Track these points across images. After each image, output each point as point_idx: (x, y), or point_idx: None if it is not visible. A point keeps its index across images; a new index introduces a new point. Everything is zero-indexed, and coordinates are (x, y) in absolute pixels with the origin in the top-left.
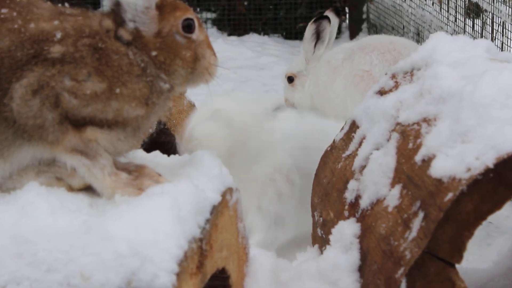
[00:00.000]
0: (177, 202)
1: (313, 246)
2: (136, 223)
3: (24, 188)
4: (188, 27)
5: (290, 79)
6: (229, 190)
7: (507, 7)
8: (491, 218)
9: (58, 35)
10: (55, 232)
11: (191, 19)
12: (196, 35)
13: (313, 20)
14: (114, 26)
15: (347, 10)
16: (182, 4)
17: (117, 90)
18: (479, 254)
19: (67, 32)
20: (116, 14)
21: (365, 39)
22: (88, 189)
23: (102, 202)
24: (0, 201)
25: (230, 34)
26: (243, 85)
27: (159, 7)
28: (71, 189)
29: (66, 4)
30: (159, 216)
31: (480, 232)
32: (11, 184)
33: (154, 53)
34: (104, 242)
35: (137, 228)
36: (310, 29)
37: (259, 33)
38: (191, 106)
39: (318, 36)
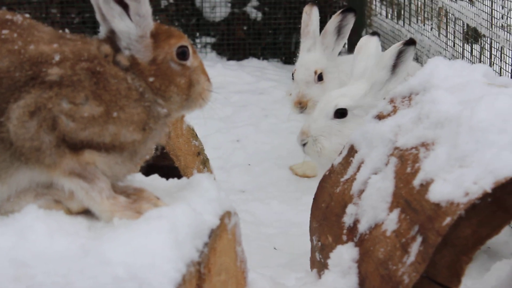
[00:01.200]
0: (175, 225)
1: (311, 270)
2: (134, 246)
3: (22, 211)
4: (183, 54)
5: (320, 77)
6: (228, 214)
7: (505, 33)
8: (490, 243)
9: (57, 57)
10: (53, 255)
11: (185, 46)
12: (191, 61)
13: (339, 12)
14: (112, 51)
15: None
16: (177, 32)
17: (115, 114)
18: (478, 279)
19: (65, 55)
20: (112, 41)
21: None
22: (86, 212)
23: (101, 225)
24: None
25: (229, 59)
26: (242, 110)
27: (154, 35)
28: (69, 212)
29: (66, 30)
30: (157, 240)
31: (478, 257)
32: (9, 207)
33: (150, 79)
34: (102, 266)
35: (135, 252)
36: (333, 22)
37: (258, 58)
38: (190, 130)
39: (339, 31)
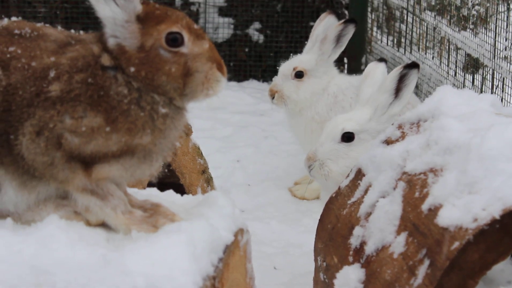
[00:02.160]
0: (193, 240)
1: None
2: (154, 258)
3: (44, 221)
4: (174, 40)
5: (300, 74)
6: (241, 231)
7: (508, 64)
8: None
9: (55, 72)
10: (74, 264)
11: (177, 33)
12: (188, 48)
13: (341, 21)
14: (100, 51)
15: (345, 60)
16: (173, 16)
17: (115, 123)
18: None
19: (62, 69)
20: (102, 32)
21: None
22: (105, 224)
23: (119, 238)
24: (20, 233)
25: (230, 80)
26: (243, 130)
27: (142, 20)
28: (89, 223)
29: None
30: (176, 253)
31: None
32: (30, 216)
33: (132, 69)
34: (122, 276)
35: (155, 264)
36: (335, 30)
37: (259, 80)
38: (196, 148)
39: (338, 40)
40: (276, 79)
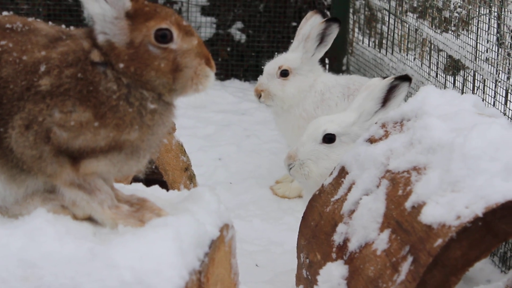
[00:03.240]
0: (179, 234)
1: (297, 286)
2: (141, 252)
3: (32, 214)
4: (163, 37)
5: (285, 73)
6: (226, 226)
7: (489, 65)
8: None
9: (45, 66)
10: (62, 257)
11: (166, 29)
12: (177, 44)
13: (323, 20)
14: (90, 46)
15: (327, 61)
16: (162, 13)
17: (103, 119)
18: None
19: (53, 64)
20: (91, 29)
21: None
22: (92, 218)
23: (106, 232)
24: (8, 226)
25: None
26: (225, 129)
27: (132, 17)
28: (76, 218)
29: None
30: (163, 247)
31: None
32: (18, 210)
33: (122, 65)
34: (109, 270)
35: (142, 258)
36: (318, 28)
37: (240, 79)
38: (179, 146)
39: (322, 38)
40: (261, 78)
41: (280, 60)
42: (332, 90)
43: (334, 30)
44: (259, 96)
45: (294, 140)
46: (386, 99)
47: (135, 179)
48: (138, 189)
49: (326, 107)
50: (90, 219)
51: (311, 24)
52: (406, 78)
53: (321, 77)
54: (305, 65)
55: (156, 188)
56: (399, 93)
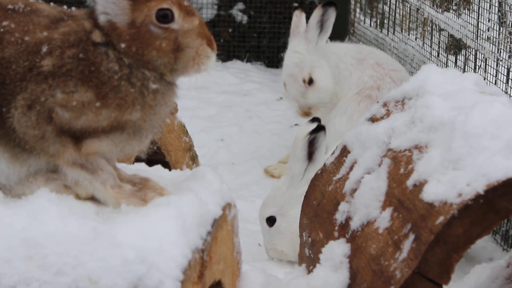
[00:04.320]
0: (182, 213)
1: (299, 265)
2: (143, 231)
3: (35, 194)
4: (164, 17)
5: (311, 80)
6: (228, 205)
7: (490, 44)
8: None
9: (47, 47)
10: (65, 237)
11: (167, 9)
12: (179, 24)
13: (319, 6)
14: (91, 27)
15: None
16: None
17: (105, 99)
18: (457, 282)
19: (55, 44)
20: (93, 9)
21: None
22: (95, 198)
23: (109, 211)
24: (11, 205)
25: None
26: (226, 110)
27: None
28: (78, 197)
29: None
30: (165, 226)
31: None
32: (21, 190)
33: (123, 45)
34: (112, 248)
35: (144, 236)
36: (315, 15)
37: (242, 60)
38: (181, 126)
39: (321, 25)
40: (295, 104)
41: (297, 74)
42: (344, 59)
43: (332, 14)
44: (311, 117)
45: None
46: (310, 154)
47: (138, 160)
48: (141, 169)
49: (343, 79)
50: (93, 198)
51: (304, 19)
52: (320, 129)
53: (330, 48)
54: (314, 55)
55: (158, 167)
56: (319, 144)
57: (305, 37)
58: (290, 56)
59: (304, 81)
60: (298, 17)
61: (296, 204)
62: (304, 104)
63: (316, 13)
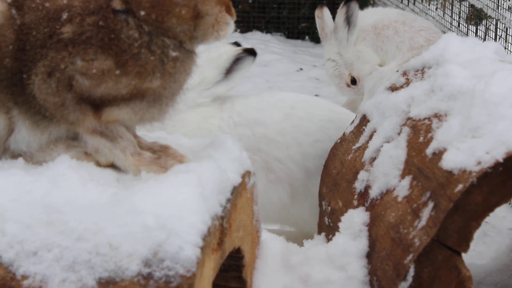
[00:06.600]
0: (201, 180)
1: (319, 234)
2: (163, 198)
3: (56, 161)
4: None
5: (354, 81)
6: (248, 173)
7: (511, 14)
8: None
9: (67, 14)
10: (86, 203)
11: None
12: None
13: (342, 4)
14: None
15: None
16: None
17: (125, 67)
18: (477, 251)
19: (75, 11)
20: None
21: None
22: (115, 165)
23: (129, 178)
24: (32, 172)
25: (233, 30)
26: (246, 81)
27: None
28: (99, 164)
29: None
30: (185, 193)
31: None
32: (41, 157)
33: (143, 12)
34: (132, 215)
35: (164, 203)
36: (340, 15)
37: (262, 31)
38: None
39: (348, 22)
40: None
41: (337, 81)
42: (385, 21)
43: (355, 8)
44: None
45: None
46: (229, 70)
47: None
48: (160, 136)
49: (386, 42)
50: (113, 166)
51: (329, 18)
52: (251, 52)
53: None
54: (347, 52)
55: (178, 136)
56: (243, 66)
57: (335, 38)
58: (326, 67)
59: (348, 85)
60: (320, 17)
61: (187, 109)
62: (357, 99)
63: (341, 13)
